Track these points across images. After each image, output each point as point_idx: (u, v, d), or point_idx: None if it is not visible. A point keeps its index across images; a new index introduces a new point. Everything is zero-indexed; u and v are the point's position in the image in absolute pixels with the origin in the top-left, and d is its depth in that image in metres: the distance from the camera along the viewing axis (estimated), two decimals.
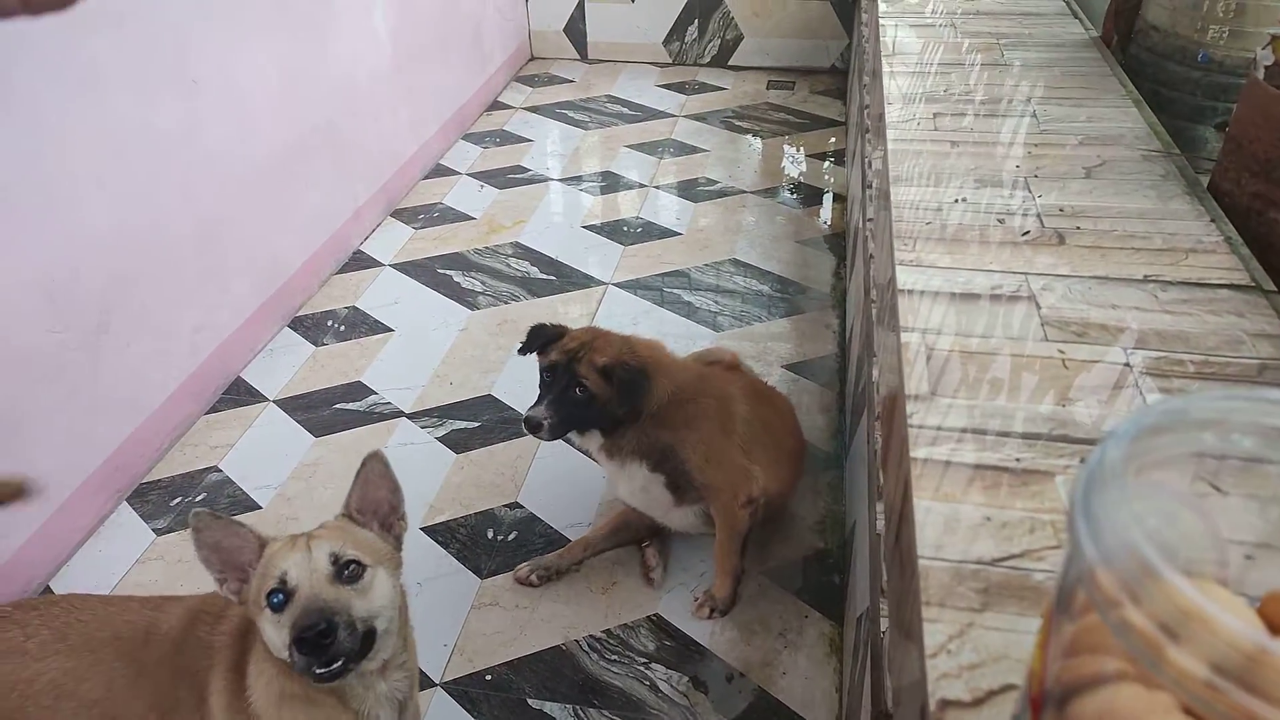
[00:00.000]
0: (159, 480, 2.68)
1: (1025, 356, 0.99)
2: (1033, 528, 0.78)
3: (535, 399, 2.06)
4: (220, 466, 2.72)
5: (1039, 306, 1.08)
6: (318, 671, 1.15)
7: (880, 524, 1.76)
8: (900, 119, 1.58)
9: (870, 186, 3.17)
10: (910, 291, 1.09)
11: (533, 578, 2.33)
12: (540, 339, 2.12)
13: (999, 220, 1.26)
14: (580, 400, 2.01)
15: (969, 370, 0.96)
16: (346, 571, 1.20)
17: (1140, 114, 1.61)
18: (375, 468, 1.30)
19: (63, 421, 2.39)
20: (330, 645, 1.12)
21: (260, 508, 2.56)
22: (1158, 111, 1.68)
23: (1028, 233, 1.22)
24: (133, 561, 2.41)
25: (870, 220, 2.96)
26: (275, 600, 1.16)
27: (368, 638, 1.21)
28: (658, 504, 2.23)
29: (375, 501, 1.32)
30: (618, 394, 2.00)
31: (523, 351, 2.15)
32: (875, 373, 2.22)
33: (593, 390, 2.00)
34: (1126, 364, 0.97)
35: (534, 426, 2.02)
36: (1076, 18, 2.17)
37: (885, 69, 1.78)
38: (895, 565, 0.85)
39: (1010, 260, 1.16)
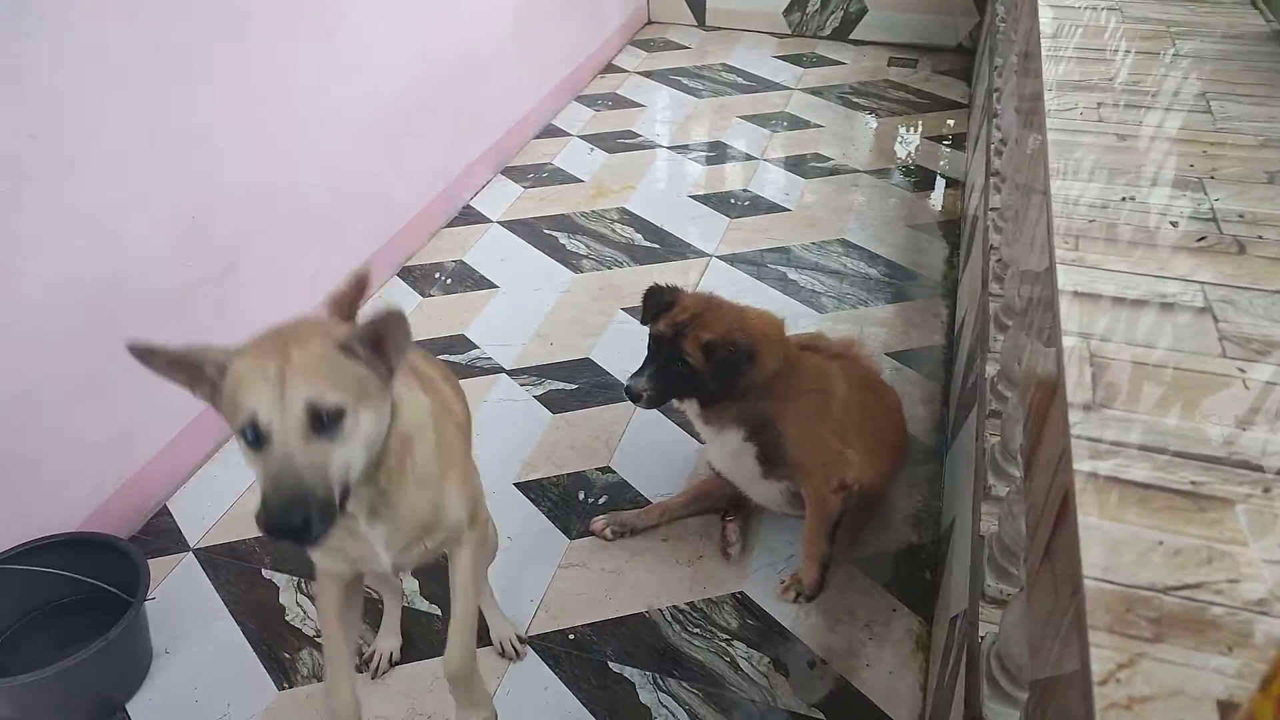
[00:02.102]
0: None
1: (1201, 373, 0.92)
2: (1210, 558, 0.73)
3: (639, 366, 2.09)
4: None
5: (1216, 319, 1.00)
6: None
7: (985, 525, 1.70)
8: (1060, 108, 1.49)
9: (996, 174, 3.03)
10: (1071, 293, 1.03)
11: (607, 531, 2.36)
12: (654, 308, 2.12)
13: (1171, 223, 1.17)
14: (681, 374, 2.03)
15: (1137, 382, 0.90)
16: (325, 419, 1.04)
17: None
18: (395, 322, 1.10)
19: None
20: (303, 532, 1.01)
21: None
22: None
23: (1204, 238, 1.13)
24: (243, 490, 2.52)
25: (994, 210, 2.84)
26: (250, 437, 1.05)
27: (342, 494, 1.08)
28: (745, 473, 2.22)
29: (380, 340, 1.11)
30: (715, 372, 2.00)
31: (642, 321, 2.16)
32: (989, 369, 2.14)
33: (694, 366, 2.01)
34: None
35: (634, 396, 2.06)
36: (1256, 7, 2.00)
37: (1044, 51, 1.68)
38: (1046, 579, 0.81)
39: (1184, 267, 1.09)
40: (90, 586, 1.97)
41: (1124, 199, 1.20)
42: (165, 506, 2.47)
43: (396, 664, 1.86)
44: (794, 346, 2.19)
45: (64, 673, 1.77)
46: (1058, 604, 0.77)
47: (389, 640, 1.90)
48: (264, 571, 2.28)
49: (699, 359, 2.00)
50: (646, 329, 2.13)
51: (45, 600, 2.03)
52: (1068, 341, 0.95)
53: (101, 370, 2.19)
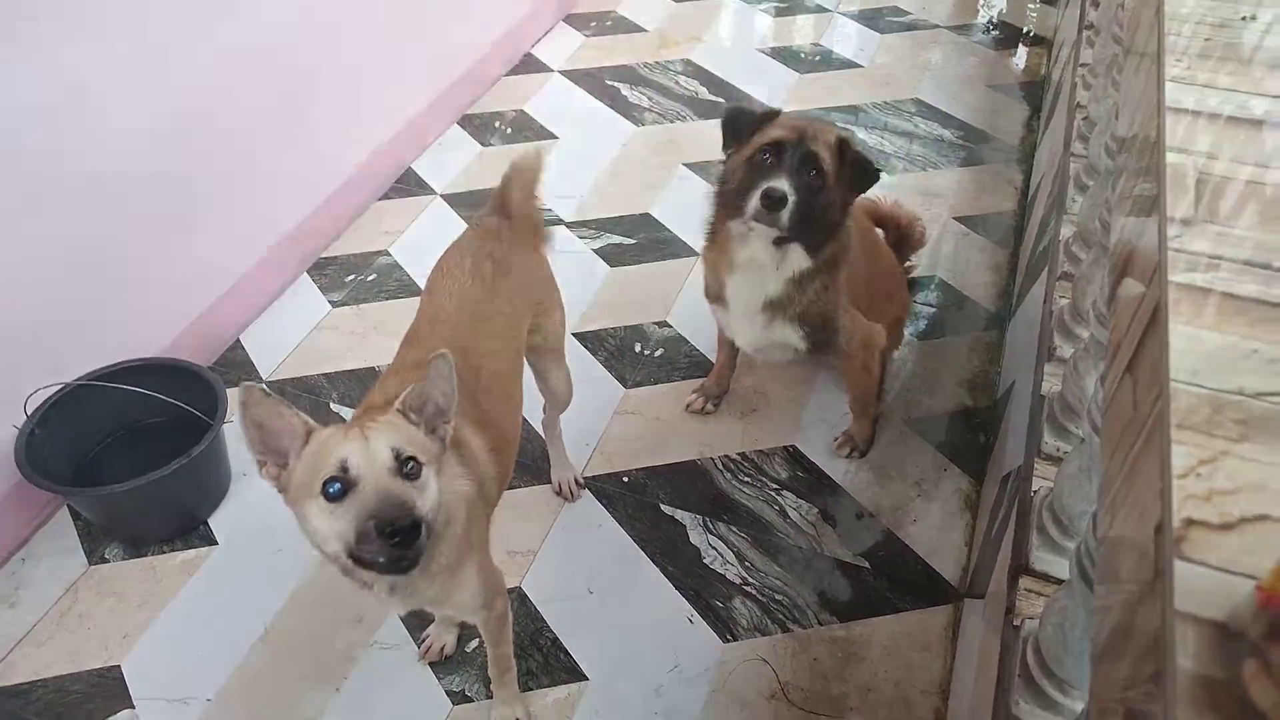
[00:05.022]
0: (336, 257, 2.83)
1: None
2: None
3: (762, 175, 1.70)
4: (390, 251, 2.85)
5: None
6: (383, 561, 1.10)
7: (1047, 386, 1.68)
8: None
9: (1090, 27, 2.82)
10: (1180, 110, 0.96)
11: (708, 405, 2.34)
12: (755, 119, 1.78)
13: None
14: (814, 186, 1.70)
15: (1245, 199, 0.85)
16: (407, 468, 1.12)
17: None
18: (441, 368, 1.20)
19: (258, 191, 2.53)
20: (415, 542, 1.07)
21: None
22: None
23: None
24: (310, 328, 2.59)
25: (1084, 66, 2.66)
26: (332, 490, 1.08)
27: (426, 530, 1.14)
28: (779, 355, 2.10)
29: (430, 401, 1.22)
30: (850, 176, 1.75)
31: (732, 141, 1.81)
32: (1065, 231, 2.06)
33: (826, 174, 1.70)
34: None
35: (775, 201, 1.64)
36: None
37: None
38: (1127, 395, 0.79)
39: None
40: (174, 408, 2.06)
41: (1244, 18, 1.11)
42: (238, 340, 2.55)
43: (449, 657, 1.85)
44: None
45: (152, 485, 1.88)
46: (1137, 414, 0.76)
47: (446, 635, 1.88)
48: (332, 405, 2.37)
49: (832, 163, 1.70)
50: (723, 160, 1.84)
51: (133, 419, 2.14)
52: (1172, 157, 0.90)
53: (175, 207, 2.23)
